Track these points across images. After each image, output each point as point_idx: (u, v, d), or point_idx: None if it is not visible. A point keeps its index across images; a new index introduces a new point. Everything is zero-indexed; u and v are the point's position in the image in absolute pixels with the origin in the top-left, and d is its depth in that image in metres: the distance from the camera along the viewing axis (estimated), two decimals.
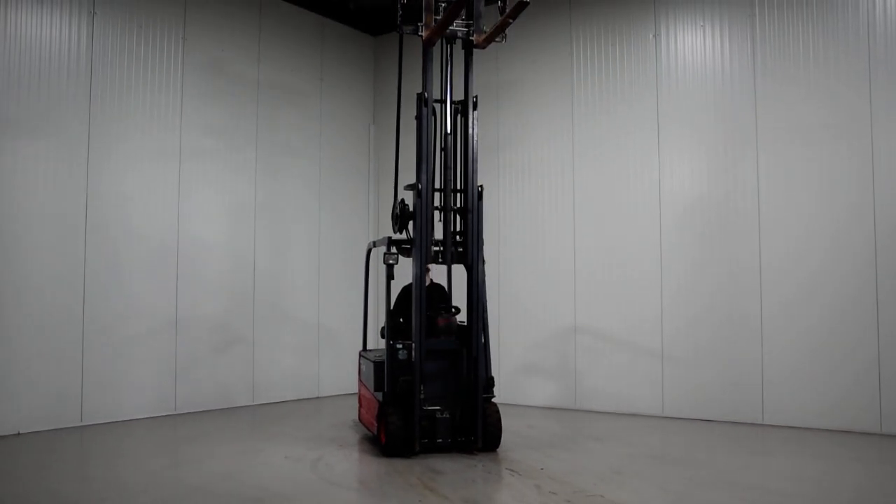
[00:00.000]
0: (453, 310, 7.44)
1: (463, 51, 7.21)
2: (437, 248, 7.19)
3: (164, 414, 8.93)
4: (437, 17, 6.91)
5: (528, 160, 10.24)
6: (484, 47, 7.06)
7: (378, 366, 7.33)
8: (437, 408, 6.82)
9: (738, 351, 8.51)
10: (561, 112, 9.98)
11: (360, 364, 8.35)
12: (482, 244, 7.08)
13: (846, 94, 8.02)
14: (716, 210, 8.75)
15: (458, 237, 7.23)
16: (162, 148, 9.12)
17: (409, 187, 7.15)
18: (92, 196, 8.40)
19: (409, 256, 7.19)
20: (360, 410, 8.27)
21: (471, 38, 7.06)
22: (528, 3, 5.97)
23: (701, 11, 8.97)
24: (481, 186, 7.06)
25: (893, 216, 7.73)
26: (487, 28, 7.02)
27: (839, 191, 8.01)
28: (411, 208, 7.12)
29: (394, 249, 7.23)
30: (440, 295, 8.01)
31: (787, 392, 8.19)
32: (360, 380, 8.33)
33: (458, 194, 7.22)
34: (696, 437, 7.82)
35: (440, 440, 6.78)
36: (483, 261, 7.12)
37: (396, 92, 7.83)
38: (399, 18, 7.10)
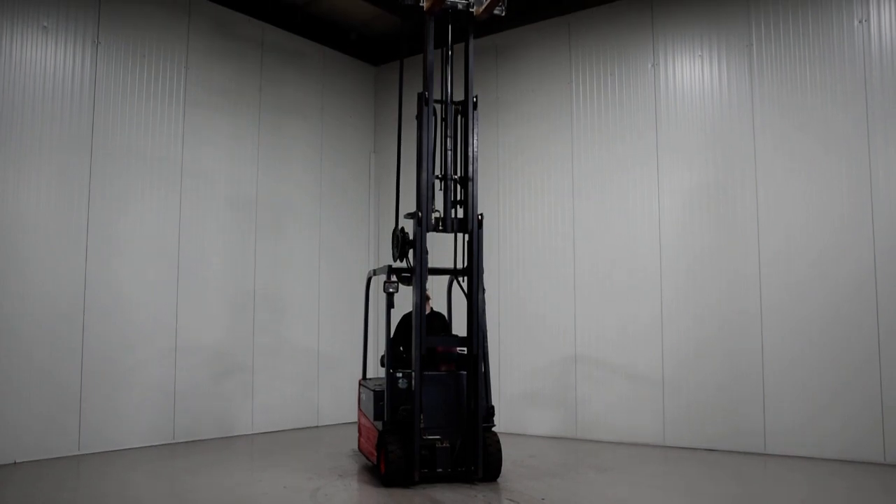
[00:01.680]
0: (459, 350, 7.36)
1: (463, 45, 7.21)
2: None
3: (162, 443, 8.87)
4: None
5: (527, 188, 10.28)
6: (484, 18, 7.13)
7: (378, 395, 7.28)
8: (437, 437, 6.75)
9: (739, 381, 8.46)
10: (560, 140, 10.03)
11: (359, 393, 8.29)
12: (482, 272, 7.06)
13: (844, 121, 8.05)
14: (715, 239, 8.74)
15: (460, 262, 7.21)
16: (163, 176, 9.15)
17: (409, 216, 7.14)
18: (93, 225, 8.41)
19: (409, 285, 7.16)
20: (359, 439, 8.20)
21: (471, 9, 7.15)
22: None
23: (699, 41, 9.04)
24: (481, 215, 7.05)
25: (893, 242, 7.71)
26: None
27: (838, 218, 8.01)
28: (411, 237, 7.11)
29: (394, 278, 7.19)
30: (440, 323, 7.97)
31: (789, 422, 8.12)
32: (359, 409, 8.27)
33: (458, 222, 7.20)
34: (698, 467, 7.74)
35: (440, 470, 6.71)
36: (483, 289, 7.09)
37: (397, 119, 7.85)
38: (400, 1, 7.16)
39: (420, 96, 7.03)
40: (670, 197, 9.10)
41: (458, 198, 7.22)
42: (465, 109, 7.20)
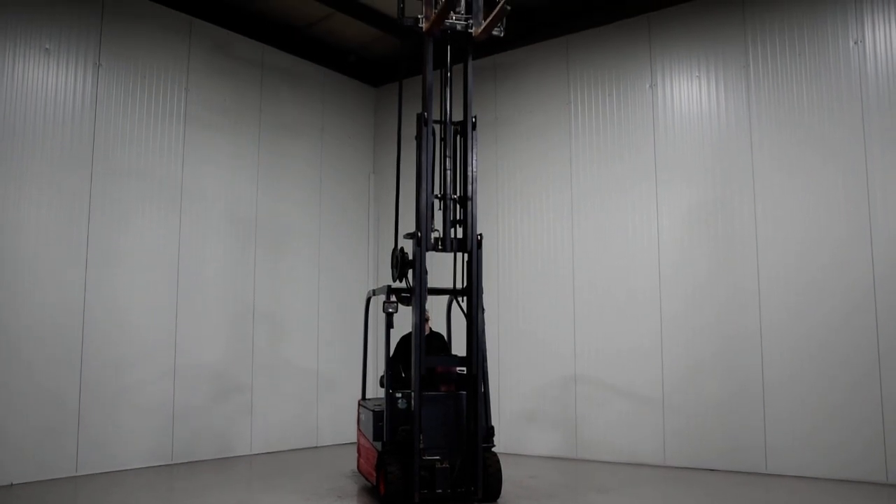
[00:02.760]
0: (459, 371, 7.33)
1: (463, 50, 7.24)
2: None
3: (160, 464, 8.82)
4: (437, 10, 7.01)
5: (526, 208, 10.30)
6: (483, 38, 7.14)
7: (377, 415, 7.25)
8: (437, 458, 6.71)
9: (739, 400, 8.43)
10: (559, 159, 10.06)
11: (359, 413, 8.26)
12: (482, 292, 7.04)
13: (840, 140, 8.08)
14: (714, 257, 8.75)
15: (459, 282, 7.20)
16: (163, 196, 9.17)
17: (408, 236, 7.14)
18: (93, 243, 8.41)
19: (408, 305, 7.14)
20: (358, 460, 8.16)
21: (469, 30, 7.16)
22: None
23: (696, 62, 9.09)
24: (480, 235, 7.05)
25: (891, 257, 7.72)
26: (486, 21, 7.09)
27: (836, 235, 8.01)
28: (411, 257, 7.10)
29: (393, 298, 7.18)
30: (440, 344, 7.95)
31: (790, 441, 8.09)
32: (359, 429, 8.24)
33: (458, 242, 7.20)
34: (699, 487, 7.69)
35: (440, 490, 6.66)
36: (482, 309, 7.08)
37: (397, 140, 7.87)
38: (400, 11, 7.18)
39: (419, 117, 7.05)
40: (669, 216, 9.11)
41: (458, 217, 7.23)
42: (464, 129, 7.22)
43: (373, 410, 7.40)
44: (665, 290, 9.05)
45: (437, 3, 7.08)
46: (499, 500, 6.88)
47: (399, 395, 7.04)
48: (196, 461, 9.14)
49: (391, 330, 7.20)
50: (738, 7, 8.84)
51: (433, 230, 7.06)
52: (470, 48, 7.26)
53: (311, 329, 10.86)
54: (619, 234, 9.47)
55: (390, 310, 7.14)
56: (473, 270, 6.98)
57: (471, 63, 7.25)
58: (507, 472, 7.54)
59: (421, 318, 6.83)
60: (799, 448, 8.03)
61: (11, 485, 7.53)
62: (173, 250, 9.21)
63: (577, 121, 9.98)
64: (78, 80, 8.45)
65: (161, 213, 9.14)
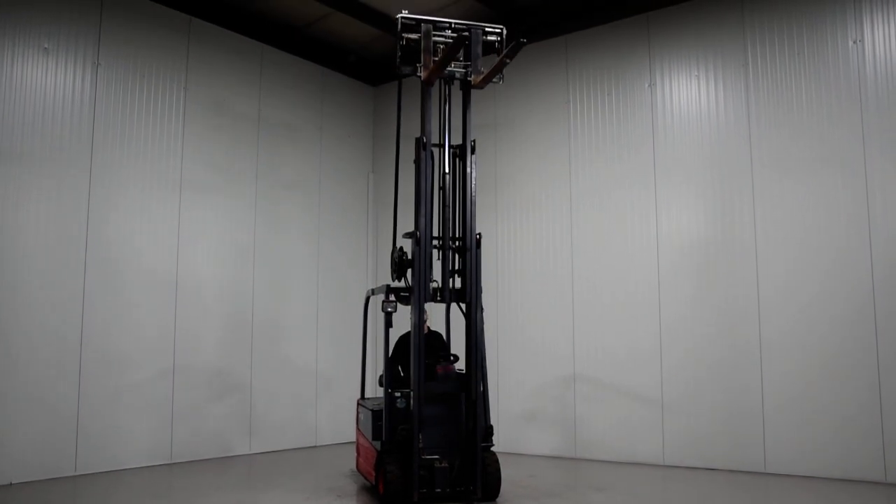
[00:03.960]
0: (452, 358, 7.39)
1: (461, 91, 7.25)
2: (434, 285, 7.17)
3: (159, 463, 8.82)
4: (436, 58, 7.00)
5: (525, 207, 10.31)
6: (482, 87, 7.12)
7: (376, 414, 7.26)
8: (436, 457, 6.72)
9: (738, 399, 8.44)
10: (558, 159, 10.06)
11: (358, 412, 8.27)
12: (480, 291, 7.05)
13: (840, 138, 8.08)
14: (713, 257, 8.75)
15: (456, 284, 7.21)
16: (162, 196, 9.17)
17: (407, 235, 7.15)
18: (91, 244, 8.42)
19: (407, 304, 7.15)
20: (357, 459, 8.16)
21: (469, 78, 7.11)
22: (524, 43, 6.09)
23: (695, 61, 9.10)
24: (479, 234, 7.06)
25: (891, 258, 7.73)
26: (485, 69, 7.06)
27: (835, 235, 8.03)
28: (410, 256, 7.10)
29: (392, 297, 7.19)
30: (438, 343, 7.96)
31: (789, 440, 8.10)
32: (358, 428, 8.24)
33: (457, 242, 7.22)
34: (698, 486, 7.71)
35: (439, 490, 6.66)
36: (481, 308, 7.09)
37: (395, 140, 7.88)
38: (398, 59, 7.16)
39: (418, 141, 7.05)
40: (668, 215, 9.12)
41: (458, 218, 7.24)
42: (462, 153, 7.21)
43: (372, 410, 7.40)
44: (664, 290, 9.06)
45: (435, 50, 7.09)
46: (498, 500, 6.89)
47: (398, 394, 7.04)
48: (195, 461, 9.13)
49: (390, 329, 7.20)
50: (737, 6, 8.85)
51: (431, 280, 7.06)
52: (468, 94, 7.21)
53: (310, 328, 10.86)
54: (618, 233, 9.47)
55: (389, 309, 7.14)
56: (472, 269, 6.98)
57: (471, 106, 7.22)
58: (506, 471, 7.55)
59: (420, 317, 6.83)
60: (798, 447, 8.04)
61: (11, 484, 7.53)
62: (172, 249, 9.21)
63: (576, 120, 9.98)
64: (77, 80, 8.45)
65: (160, 212, 9.14)
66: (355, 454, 8.43)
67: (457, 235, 7.23)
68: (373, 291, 8.06)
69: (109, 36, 8.77)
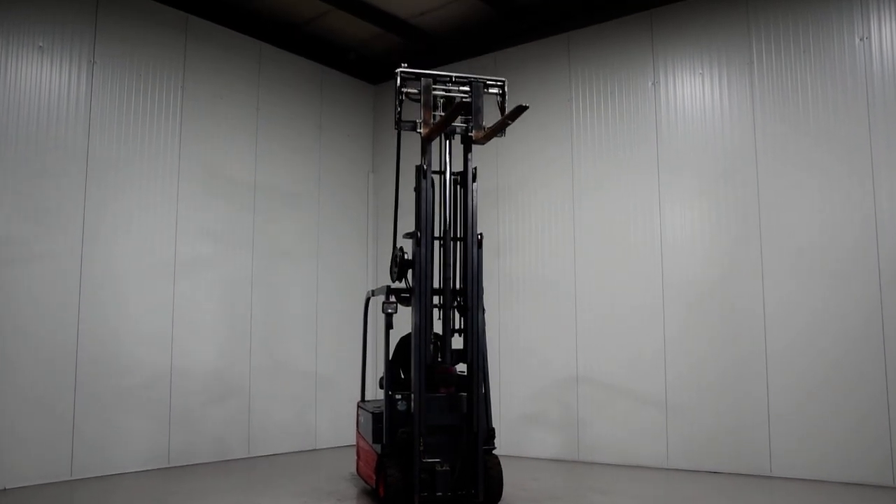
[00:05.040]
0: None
1: (462, 144, 7.21)
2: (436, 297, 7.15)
3: (157, 467, 8.79)
4: (436, 113, 6.98)
5: (527, 207, 10.28)
6: (483, 143, 7.09)
7: (376, 417, 7.23)
8: (437, 460, 6.67)
9: (742, 400, 8.41)
10: (560, 158, 10.04)
11: (358, 415, 8.23)
12: (482, 292, 7.02)
13: (847, 137, 8.04)
14: (717, 255, 8.73)
15: (457, 285, 7.18)
16: (159, 196, 9.14)
17: (408, 235, 7.12)
18: (87, 244, 8.38)
19: (408, 306, 7.12)
20: (357, 463, 8.13)
21: (470, 133, 7.05)
22: (527, 108, 6.13)
23: (699, 59, 9.07)
24: (481, 235, 7.03)
25: None
26: (487, 124, 7.03)
27: (842, 233, 7.99)
28: (410, 257, 7.07)
29: (392, 298, 7.16)
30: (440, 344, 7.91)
31: (796, 442, 8.06)
32: (358, 431, 8.21)
33: (458, 242, 7.19)
34: (702, 490, 7.67)
35: (440, 493, 6.61)
36: (483, 309, 7.05)
37: (396, 137, 7.84)
38: (397, 114, 7.11)
39: (418, 169, 7.02)
40: (672, 216, 9.10)
41: (459, 220, 7.21)
42: (464, 180, 7.16)
43: (372, 412, 7.37)
44: (668, 291, 9.03)
45: (436, 104, 7.06)
46: (500, 503, 6.85)
47: (399, 396, 7.01)
48: (193, 464, 9.11)
49: (391, 331, 7.18)
50: (742, 3, 8.81)
51: (435, 238, 7.02)
52: (470, 146, 7.14)
53: (309, 330, 10.84)
54: (622, 234, 9.44)
55: (390, 310, 7.11)
56: (473, 269, 6.96)
57: (472, 151, 7.17)
58: (509, 474, 7.52)
59: (421, 318, 6.80)
60: (804, 450, 8.00)
61: (5, 489, 7.49)
62: (169, 250, 9.17)
63: (578, 119, 9.96)
64: (72, 78, 8.41)
65: (157, 212, 9.10)
66: (355, 457, 8.40)
67: (458, 236, 7.21)
68: (373, 292, 8.02)
69: (105, 34, 8.73)
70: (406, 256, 7.25)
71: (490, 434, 6.93)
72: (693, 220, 8.96)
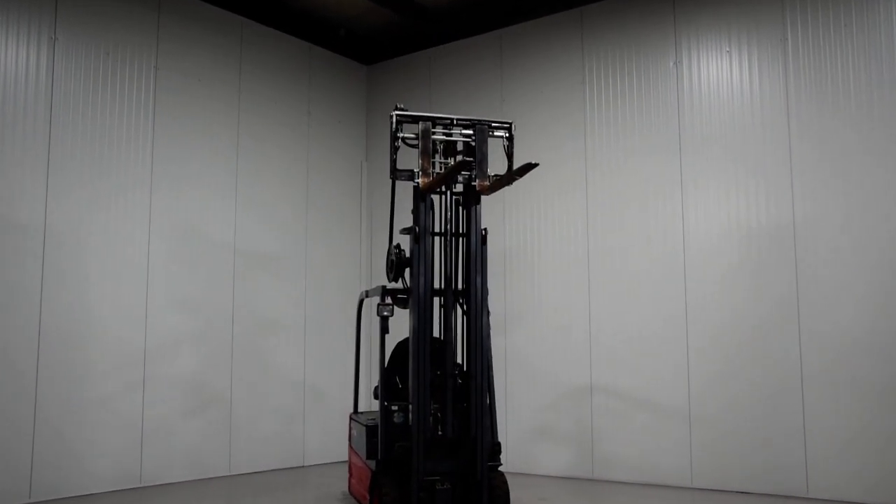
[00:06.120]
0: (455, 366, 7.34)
1: (464, 194, 7.15)
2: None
3: (127, 487, 8.75)
4: (435, 160, 6.94)
5: (536, 202, 10.28)
6: (487, 194, 7.07)
7: (371, 430, 7.19)
8: (437, 478, 6.64)
9: (775, 411, 8.37)
10: (572, 151, 10.03)
11: (350, 428, 8.22)
12: (486, 293, 7.00)
13: (891, 117, 8.00)
14: (747, 253, 8.70)
15: (459, 285, 7.16)
16: (129, 186, 9.11)
17: (405, 231, 7.10)
18: (50, 242, 8.34)
19: (405, 308, 7.10)
20: (350, 481, 8.13)
21: (473, 183, 6.98)
22: (536, 165, 6.16)
23: (727, 36, 9.04)
24: (485, 230, 7.01)
25: None
26: (493, 173, 7.00)
27: (884, 229, 7.97)
28: (408, 254, 7.04)
29: (389, 300, 7.13)
30: (440, 350, 7.91)
31: (835, 460, 8.01)
32: (350, 446, 8.20)
33: (461, 238, 7.17)
34: None
35: None
36: (488, 312, 7.04)
37: (391, 188, 7.80)
38: (392, 162, 7.01)
39: (416, 189, 6.95)
40: (696, 209, 9.08)
41: (461, 229, 7.19)
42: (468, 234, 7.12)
43: (366, 425, 7.33)
44: (691, 289, 9.02)
45: (434, 151, 7.00)
46: None
47: (395, 407, 6.98)
48: (168, 483, 9.08)
49: (386, 335, 7.15)
50: None
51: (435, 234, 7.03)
52: (473, 196, 7.05)
53: (297, 335, 10.82)
54: (641, 230, 9.43)
55: (385, 313, 7.08)
56: (477, 269, 6.95)
57: (479, 209, 7.10)
58: (516, 493, 7.51)
59: (420, 321, 6.78)
60: (845, 468, 7.95)
61: None
62: (142, 247, 9.15)
63: (592, 102, 9.93)
64: (31, 57, 8.35)
65: (128, 205, 9.07)
66: (348, 475, 8.39)
67: (460, 231, 7.20)
68: (367, 293, 8.00)
69: (68, 6, 8.67)
70: (404, 254, 7.23)
71: (495, 449, 6.90)
72: (719, 214, 8.93)
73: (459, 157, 7.10)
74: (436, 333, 7.14)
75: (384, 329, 7.17)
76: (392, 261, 7.34)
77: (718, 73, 9.07)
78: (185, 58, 9.79)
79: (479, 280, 6.93)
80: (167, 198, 9.45)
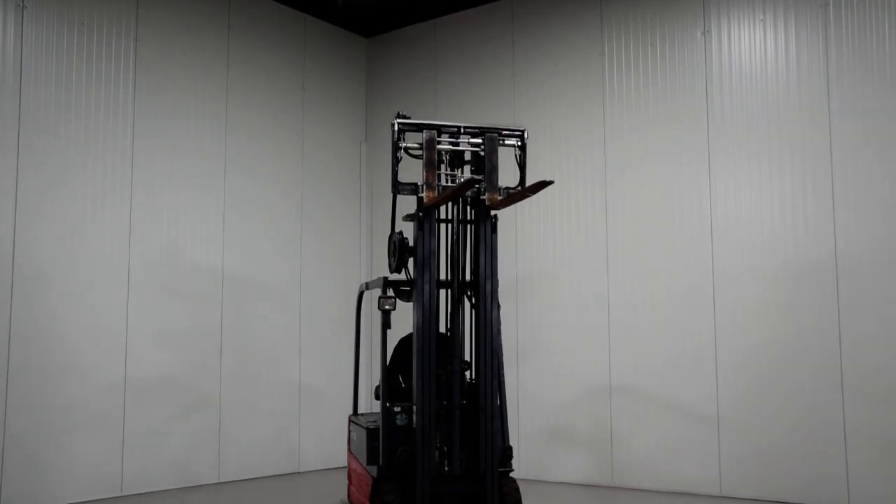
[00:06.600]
0: (463, 364, 7.32)
1: (472, 209, 7.07)
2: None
3: (107, 496, 8.73)
4: (440, 173, 6.88)
5: (551, 186, 10.15)
6: (497, 209, 6.97)
7: (371, 433, 7.16)
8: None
9: (813, 414, 8.27)
10: (590, 129, 9.95)
11: (350, 432, 8.23)
12: (497, 285, 6.93)
13: None
14: (782, 240, 8.59)
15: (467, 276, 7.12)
16: (107, 169, 9.03)
17: (408, 217, 7.05)
18: (21, 227, 8.25)
19: (409, 301, 7.06)
20: (349, 488, 8.14)
21: (482, 197, 6.88)
22: (551, 182, 6.11)
23: (761, 2, 8.91)
24: (495, 217, 6.95)
25: None
26: (503, 185, 6.94)
27: None
28: (411, 242, 6.99)
29: (390, 292, 7.11)
30: (446, 346, 7.87)
31: (879, 470, 7.90)
32: (349, 451, 8.20)
33: (468, 226, 7.12)
34: None
35: None
36: (498, 305, 6.98)
37: (392, 200, 7.73)
38: (394, 174, 6.98)
39: (419, 203, 6.89)
40: (725, 195, 8.97)
41: (470, 216, 7.12)
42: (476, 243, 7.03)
43: (366, 428, 7.29)
44: (720, 282, 8.90)
45: (440, 162, 6.94)
46: None
47: (398, 408, 6.95)
48: (151, 492, 9.07)
49: (388, 331, 7.09)
50: None
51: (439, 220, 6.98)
52: (484, 213, 6.95)
53: (291, 331, 10.80)
54: (664, 215, 9.34)
55: (387, 307, 7.04)
56: (486, 259, 6.88)
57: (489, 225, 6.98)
58: (529, 502, 7.46)
59: (424, 315, 6.72)
60: (891, 478, 7.85)
61: None
62: (122, 233, 9.07)
63: (611, 77, 9.85)
64: None
65: (106, 186, 8.99)
66: (347, 482, 8.40)
67: (468, 218, 7.13)
68: (367, 286, 7.98)
69: None
70: (407, 242, 7.13)
71: (506, 453, 6.91)
72: (751, 196, 8.81)
73: (467, 167, 7.12)
74: (442, 328, 7.10)
75: (386, 324, 7.11)
76: (394, 249, 7.26)
77: (751, 44, 8.94)
78: (168, 27, 9.69)
79: (488, 270, 6.88)
80: (149, 181, 9.38)
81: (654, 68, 9.56)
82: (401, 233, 7.28)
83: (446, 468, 6.68)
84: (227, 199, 10.17)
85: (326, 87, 11.60)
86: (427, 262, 6.81)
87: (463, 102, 10.98)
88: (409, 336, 7.31)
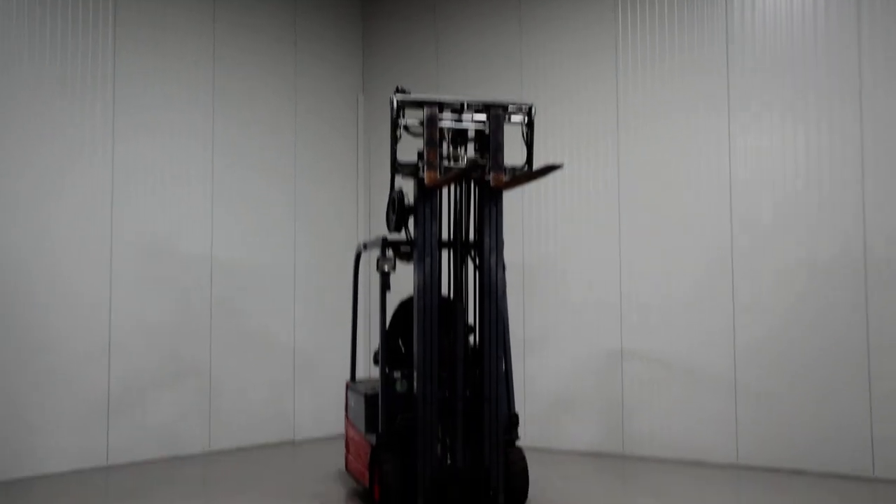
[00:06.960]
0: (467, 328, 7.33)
1: (477, 190, 7.02)
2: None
3: (91, 466, 8.77)
4: (442, 152, 6.83)
5: (560, 143, 10.16)
6: (505, 190, 6.94)
7: (370, 400, 7.23)
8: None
9: (836, 380, 8.25)
10: (602, 80, 9.89)
11: (347, 399, 8.27)
12: (502, 245, 6.92)
13: None
14: (805, 202, 8.52)
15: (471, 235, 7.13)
16: (89, 122, 8.99)
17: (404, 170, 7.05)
18: (4, 187, 8.25)
19: (409, 262, 7.09)
20: (347, 457, 8.19)
21: (487, 178, 6.83)
22: (560, 166, 6.06)
23: None
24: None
25: None
26: (509, 164, 6.91)
27: None
28: (411, 201, 7.01)
29: (390, 253, 7.13)
30: (448, 310, 7.88)
31: None
32: (347, 418, 8.26)
33: (472, 184, 7.10)
34: (782, 494, 7.55)
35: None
36: (503, 266, 6.97)
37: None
38: (393, 153, 6.94)
39: (419, 184, 6.89)
40: (745, 159, 8.92)
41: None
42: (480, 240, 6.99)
43: (365, 395, 7.37)
44: (738, 245, 8.88)
45: (441, 140, 6.87)
46: None
47: (398, 374, 7.00)
48: (138, 462, 9.12)
49: (387, 293, 7.12)
50: None
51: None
52: (488, 194, 6.90)
53: (285, 294, 10.82)
54: (680, 175, 9.30)
55: (386, 268, 7.08)
56: (491, 217, 6.87)
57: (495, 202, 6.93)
58: (535, 472, 7.57)
59: (426, 277, 6.72)
60: None
61: None
62: (105, 195, 9.05)
63: (625, 32, 9.77)
64: None
65: (87, 137, 8.95)
66: (344, 450, 8.45)
67: (472, 198, 7.12)
68: (365, 245, 7.97)
69: None
70: (406, 201, 7.17)
71: (512, 421, 6.96)
72: (773, 158, 8.75)
73: (470, 145, 7.08)
74: (444, 291, 7.12)
75: (385, 286, 7.15)
76: (393, 208, 7.27)
77: (775, 0, 8.85)
78: None
79: (493, 230, 6.87)
80: (134, 143, 9.35)
81: (671, 22, 9.48)
82: (401, 190, 7.28)
83: (448, 444, 6.73)
84: (216, 156, 10.14)
85: (320, 38, 11.50)
86: (428, 221, 6.80)
87: (465, 52, 10.89)
88: (410, 299, 7.35)
